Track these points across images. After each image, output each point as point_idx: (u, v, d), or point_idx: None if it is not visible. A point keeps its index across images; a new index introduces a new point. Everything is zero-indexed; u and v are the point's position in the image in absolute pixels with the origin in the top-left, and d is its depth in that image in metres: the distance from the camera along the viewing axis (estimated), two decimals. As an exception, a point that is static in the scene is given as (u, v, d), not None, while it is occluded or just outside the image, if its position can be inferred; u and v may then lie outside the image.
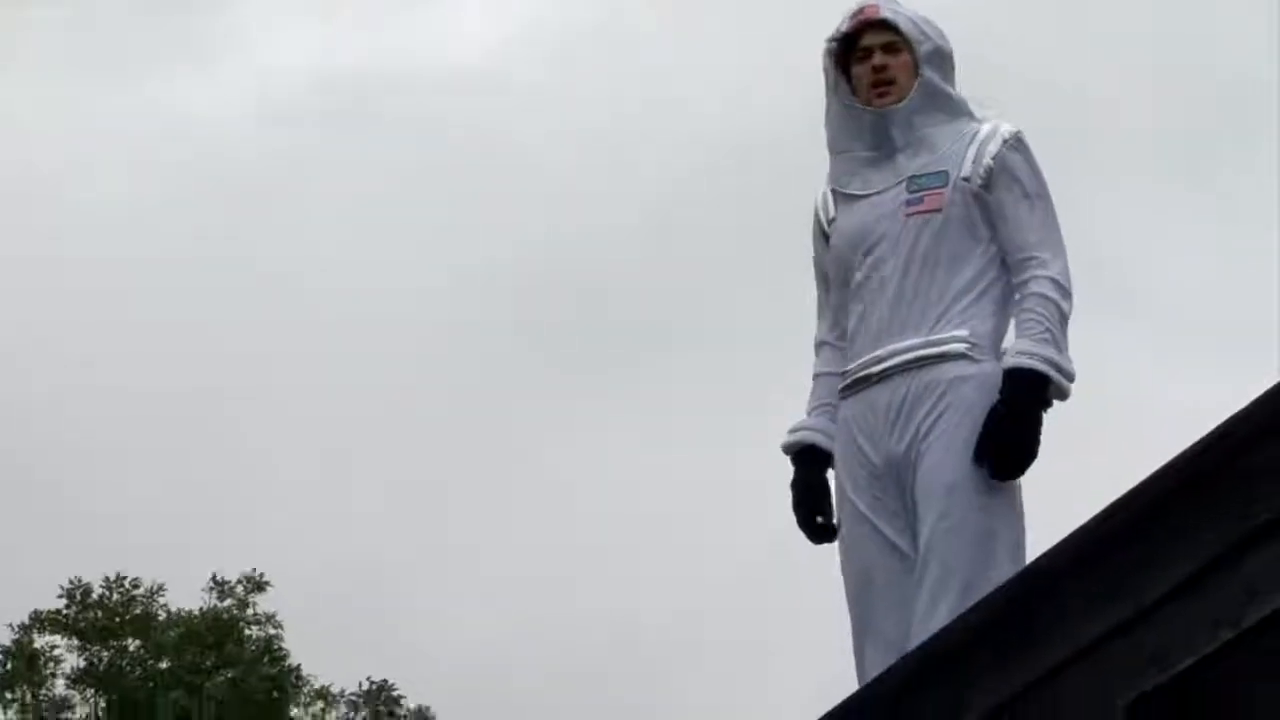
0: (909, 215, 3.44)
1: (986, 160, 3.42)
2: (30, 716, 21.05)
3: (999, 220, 3.43)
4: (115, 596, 21.02)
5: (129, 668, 20.78)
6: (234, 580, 20.88)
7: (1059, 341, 3.35)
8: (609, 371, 32.69)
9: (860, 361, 3.46)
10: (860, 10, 3.51)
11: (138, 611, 21.21)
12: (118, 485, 27.84)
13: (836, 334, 3.58)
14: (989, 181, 3.42)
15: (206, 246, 31.10)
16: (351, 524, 28.36)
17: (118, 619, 21.15)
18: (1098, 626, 2.24)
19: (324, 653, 22.33)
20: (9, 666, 20.86)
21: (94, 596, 20.93)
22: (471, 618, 27.26)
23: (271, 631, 21.42)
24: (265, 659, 21.12)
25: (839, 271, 3.56)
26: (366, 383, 30.23)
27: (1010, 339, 3.42)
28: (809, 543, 3.54)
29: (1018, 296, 3.40)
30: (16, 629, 21.36)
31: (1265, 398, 2.03)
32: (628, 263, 33.27)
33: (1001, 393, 3.29)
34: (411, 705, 22.05)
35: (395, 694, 21.69)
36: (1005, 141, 3.45)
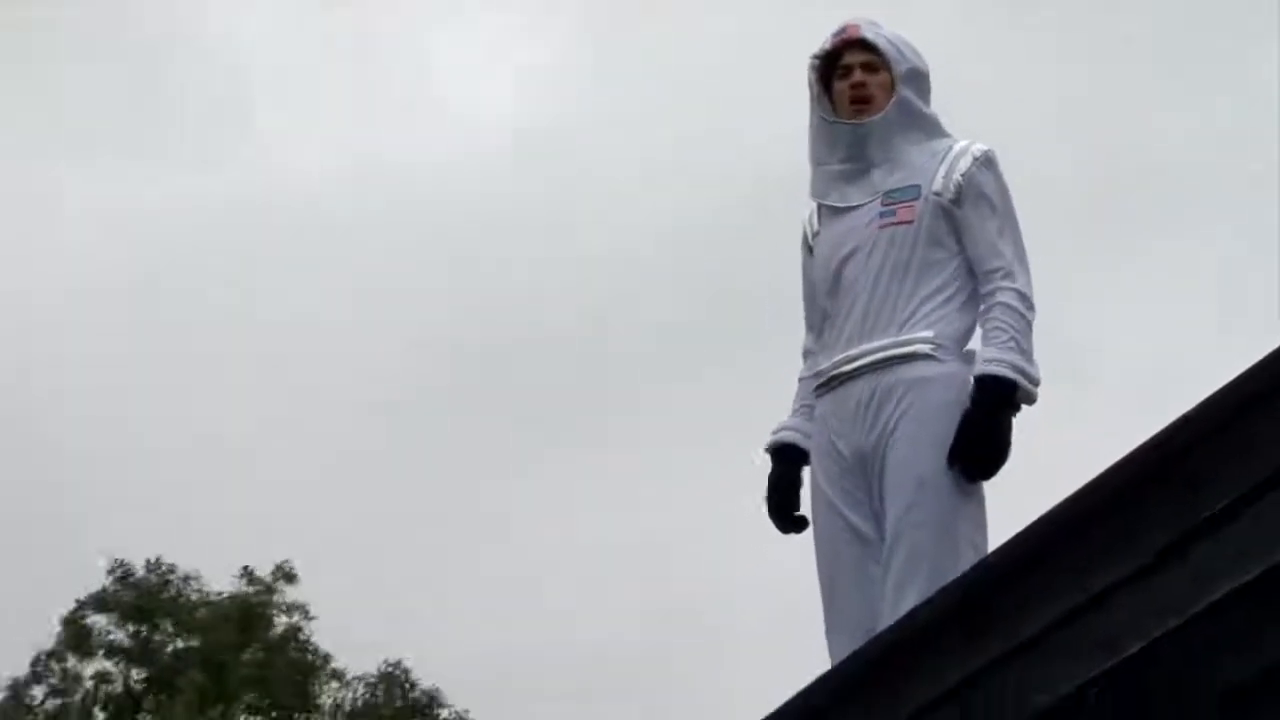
0: (882, 227, 3.44)
1: (957, 176, 3.42)
2: (74, 689, 21.60)
3: (966, 233, 3.44)
4: (153, 579, 21.32)
5: (163, 644, 21.04)
6: (267, 572, 21.13)
7: (1025, 349, 3.35)
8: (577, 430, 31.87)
9: (834, 361, 3.46)
10: (843, 30, 3.51)
11: (172, 594, 21.48)
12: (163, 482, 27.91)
13: (821, 342, 3.59)
14: (959, 197, 3.41)
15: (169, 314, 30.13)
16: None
17: (154, 599, 21.47)
18: (1050, 614, 2.23)
19: (348, 645, 22.54)
20: (60, 642, 21.48)
21: (135, 577, 21.31)
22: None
23: (300, 621, 21.75)
24: (291, 644, 21.43)
25: (821, 280, 3.56)
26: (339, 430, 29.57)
27: (977, 345, 3.41)
28: (779, 532, 3.59)
29: (984, 306, 3.40)
30: (76, 604, 21.84)
31: (1209, 402, 2.03)
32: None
33: (972, 398, 3.29)
34: (425, 686, 22.30)
35: (409, 676, 22.05)
36: (976, 159, 3.44)
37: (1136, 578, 2.12)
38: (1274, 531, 1.92)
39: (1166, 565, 2.09)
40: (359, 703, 21.63)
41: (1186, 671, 2.04)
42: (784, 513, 3.56)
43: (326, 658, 21.38)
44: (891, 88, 3.49)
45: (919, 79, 3.55)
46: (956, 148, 3.48)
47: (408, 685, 21.70)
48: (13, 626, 21.25)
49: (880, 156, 3.48)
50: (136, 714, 20.45)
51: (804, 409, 3.58)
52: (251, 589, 21.32)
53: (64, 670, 20.98)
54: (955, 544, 3.22)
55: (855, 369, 3.41)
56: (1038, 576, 2.29)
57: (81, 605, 20.88)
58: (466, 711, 22.37)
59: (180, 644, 20.78)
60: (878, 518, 3.38)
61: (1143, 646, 2.07)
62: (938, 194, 3.41)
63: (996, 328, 3.35)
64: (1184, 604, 2.03)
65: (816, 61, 3.53)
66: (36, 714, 20.80)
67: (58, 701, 20.61)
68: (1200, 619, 2.00)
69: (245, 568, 21.66)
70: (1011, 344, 3.32)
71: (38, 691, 20.89)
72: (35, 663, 20.46)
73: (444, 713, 22.22)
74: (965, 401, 3.32)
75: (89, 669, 20.90)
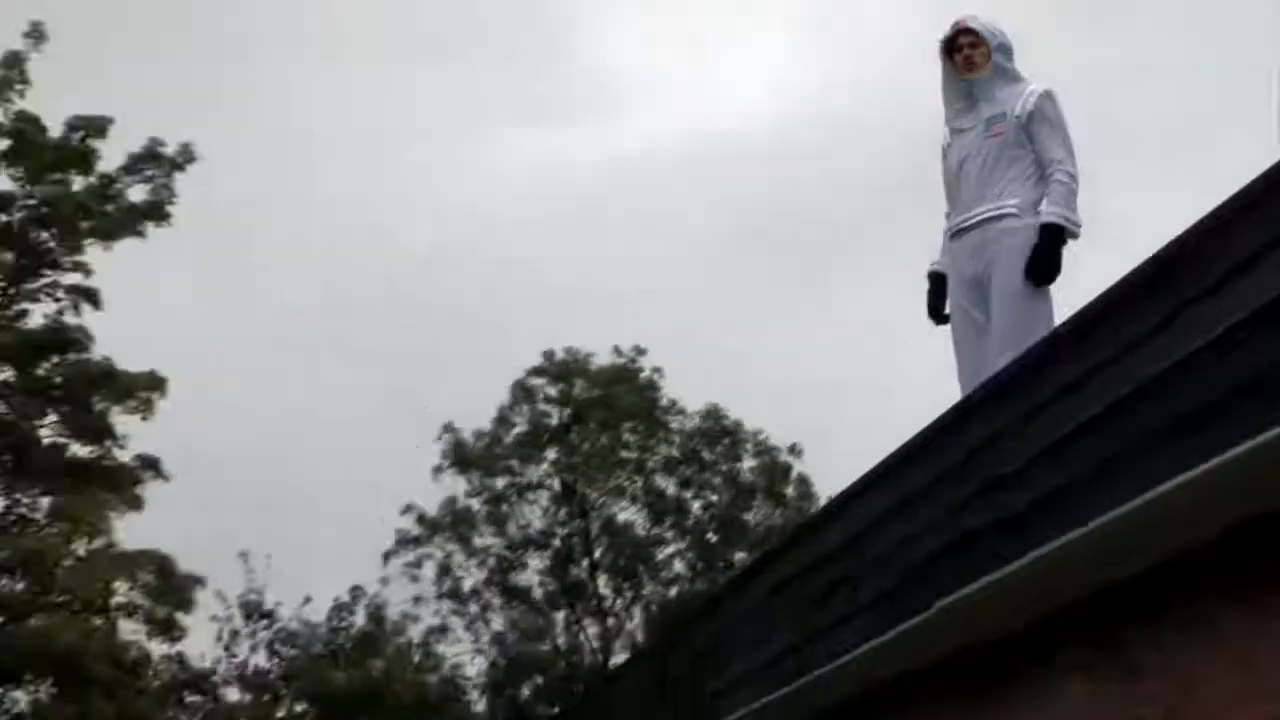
0: (985, 139, 3.63)
1: (1029, 105, 3.59)
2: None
3: (1035, 140, 3.58)
4: (567, 356, 20.87)
5: (578, 395, 20.42)
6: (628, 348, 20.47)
7: (1071, 207, 3.49)
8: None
9: (960, 219, 3.68)
10: (957, 23, 3.71)
11: (579, 365, 21.04)
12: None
13: (953, 210, 3.78)
14: (1030, 118, 3.58)
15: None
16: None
17: (568, 369, 21.13)
18: (1092, 362, 2.21)
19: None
20: (516, 396, 21.37)
21: (556, 358, 20.92)
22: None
23: (655, 375, 20.70)
24: (650, 389, 20.63)
25: (951, 173, 3.77)
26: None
27: (1043, 208, 3.56)
28: (934, 325, 3.85)
29: (1047, 184, 3.54)
30: (524, 372, 21.22)
31: (1188, 233, 2.00)
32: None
33: (1039, 237, 3.46)
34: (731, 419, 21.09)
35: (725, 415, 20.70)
36: (1040, 95, 3.60)
37: (1141, 340, 2.08)
38: (1233, 309, 1.87)
39: (1159, 333, 2.04)
40: (695, 428, 20.63)
41: (1169, 402, 1.99)
42: (936, 313, 3.82)
43: (673, 401, 20.63)
44: (989, 55, 3.66)
45: (1005, 49, 3.70)
46: (1029, 88, 3.64)
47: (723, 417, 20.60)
48: (485, 389, 20.46)
49: (983, 97, 3.64)
50: (567, 435, 19.94)
51: (945, 250, 3.79)
52: (622, 359, 20.53)
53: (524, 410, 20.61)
54: (1033, 326, 3.34)
55: (972, 224, 3.61)
56: (1085, 343, 2.28)
57: (527, 374, 20.45)
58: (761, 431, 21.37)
59: (586, 394, 20.22)
60: (987, 313, 3.57)
61: (1147, 380, 2.03)
62: (1018, 117, 3.56)
63: (1054, 194, 3.50)
64: (1168, 357, 2.00)
65: (942, 44, 3.72)
66: (507, 439, 20.30)
67: (522, 430, 20.13)
68: (1179, 366, 1.98)
69: (615, 346, 20.76)
70: (1061, 204, 3.47)
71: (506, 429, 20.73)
72: (501, 409, 20.21)
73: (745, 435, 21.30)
74: (1034, 240, 3.49)
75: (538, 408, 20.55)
